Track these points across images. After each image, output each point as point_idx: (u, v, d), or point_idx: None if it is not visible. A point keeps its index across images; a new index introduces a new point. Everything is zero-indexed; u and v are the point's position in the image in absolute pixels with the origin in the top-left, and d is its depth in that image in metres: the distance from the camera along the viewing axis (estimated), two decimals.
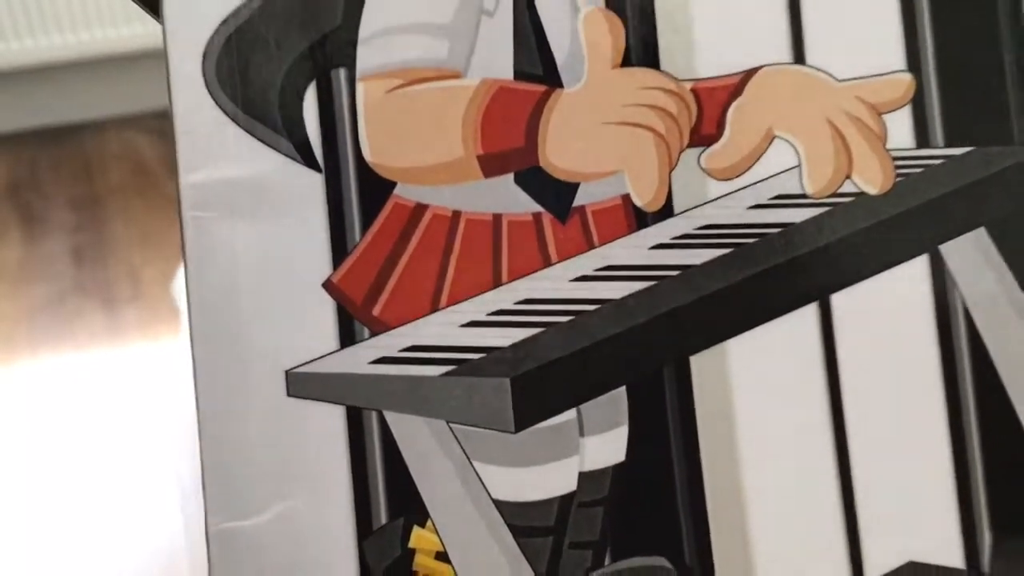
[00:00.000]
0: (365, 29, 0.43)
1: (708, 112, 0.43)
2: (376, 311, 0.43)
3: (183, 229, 0.42)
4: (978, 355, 0.44)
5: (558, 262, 0.43)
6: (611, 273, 0.43)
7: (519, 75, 0.43)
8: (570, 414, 0.43)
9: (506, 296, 0.43)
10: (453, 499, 0.42)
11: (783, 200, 0.44)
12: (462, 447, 0.42)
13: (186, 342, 0.43)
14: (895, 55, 0.44)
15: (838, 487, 0.44)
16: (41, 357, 1.79)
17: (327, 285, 0.43)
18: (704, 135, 0.43)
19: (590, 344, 0.41)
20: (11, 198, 2.17)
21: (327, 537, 0.42)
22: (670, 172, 0.43)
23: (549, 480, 0.43)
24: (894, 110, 0.44)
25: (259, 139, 0.42)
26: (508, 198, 0.43)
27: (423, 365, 0.41)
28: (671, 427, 0.43)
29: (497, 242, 0.43)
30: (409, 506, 0.42)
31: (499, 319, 0.42)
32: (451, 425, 0.42)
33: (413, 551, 0.43)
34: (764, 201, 0.44)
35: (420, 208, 0.43)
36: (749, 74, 0.43)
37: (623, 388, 0.43)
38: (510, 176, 0.43)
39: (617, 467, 0.43)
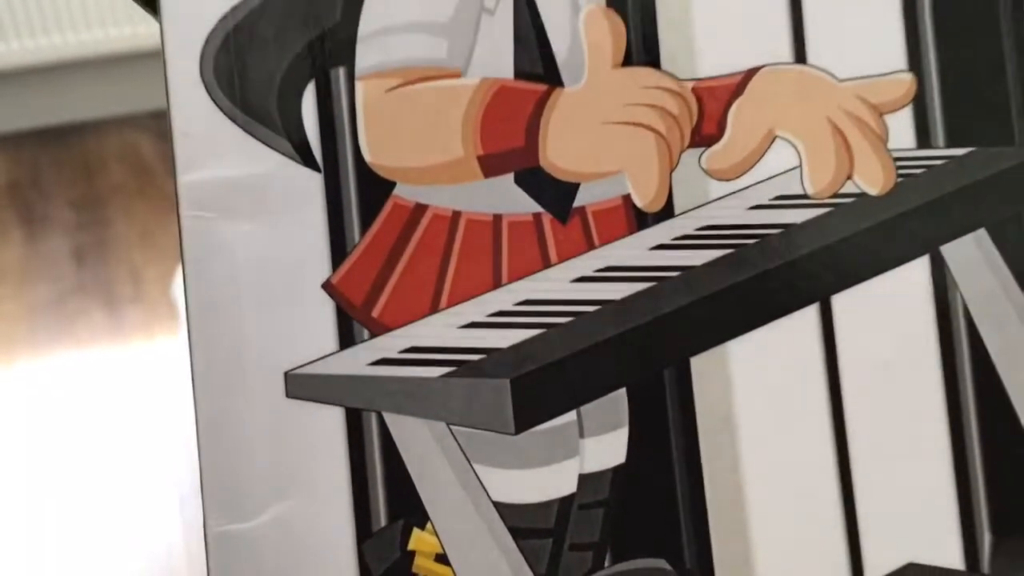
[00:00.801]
0: (364, 28, 0.42)
1: (709, 112, 0.43)
2: (375, 312, 0.43)
3: (181, 229, 0.42)
4: (978, 356, 0.44)
5: (558, 263, 0.43)
6: (611, 274, 0.43)
7: (519, 74, 0.43)
8: (570, 416, 0.43)
9: (506, 297, 0.43)
10: (453, 501, 0.42)
11: (784, 201, 0.44)
12: (462, 449, 0.42)
13: (186, 342, 0.43)
14: (896, 55, 0.44)
15: (838, 489, 0.44)
16: (42, 357, 1.79)
17: (326, 286, 0.43)
18: (705, 135, 0.43)
19: (590, 345, 0.41)
20: (12, 198, 2.17)
21: (326, 539, 0.42)
22: (671, 172, 0.43)
23: (549, 482, 0.43)
24: (895, 110, 0.44)
25: (257, 139, 0.42)
26: (508, 198, 0.43)
27: (423, 366, 0.41)
28: (671, 429, 0.43)
29: (497, 243, 0.43)
30: (409, 508, 0.42)
31: (499, 320, 0.42)
32: (451, 427, 0.42)
33: (413, 553, 0.43)
34: (765, 202, 0.44)
35: (420, 208, 0.43)
36: (750, 74, 0.43)
37: (623, 389, 0.43)
38: (510, 176, 0.43)
39: (617, 469, 0.43)
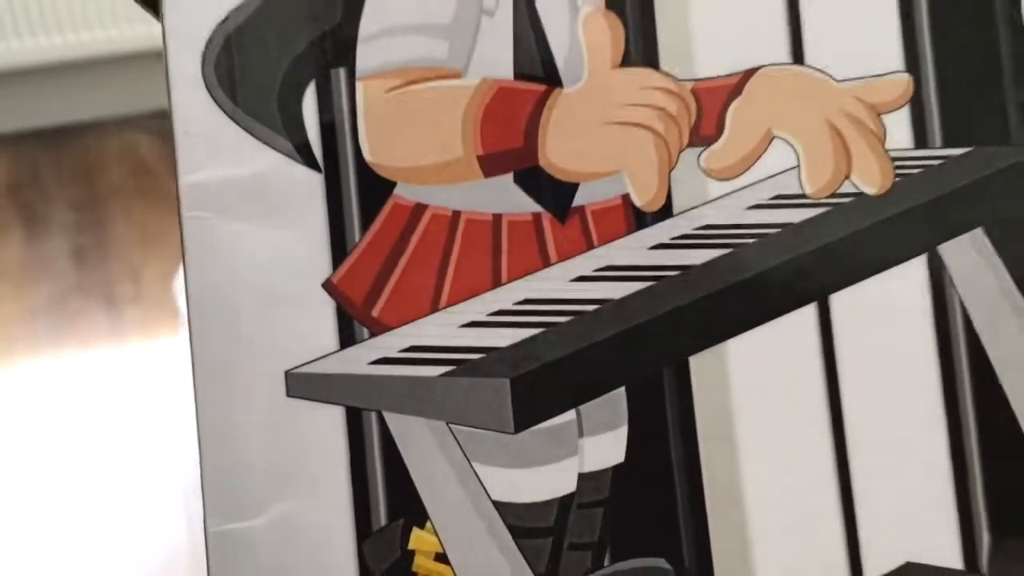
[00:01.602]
0: (365, 28, 0.43)
1: (707, 112, 0.43)
2: (376, 311, 0.43)
3: (182, 229, 0.42)
4: (976, 355, 0.44)
5: (557, 262, 0.43)
6: (610, 273, 0.43)
7: (519, 75, 0.43)
8: (569, 415, 0.43)
9: (506, 296, 0.43)
10: (453, 500, 0.42)
11: (782, 200, 0.44)
12: (462, 448, 0.42)
13: (186, 342, 0.43)
14: (894, 55, 0.44)
15: (837, 488, 0.44)
16: (42, 357, 1.79)
17: (327, 285, 0.43)
18: (703, 135, 0.43)
19: (590, 345, 0.41)
20: (12, 198, 2.17)
21: (326, 538, 0.42)
22: (669, 172, 0.43)
23: (548, 481, 0.43)
24: (893, 110, 0.44)
25: (258, 139, 0.42)
26: (508, 198, 0.43)
27: (423, 365, 0.41)
28: (670, 428, 0.43)
29: (497, 242, 0.43)
30: (409, 507, 0.42)
31: (499, 319, 0.42)
32: (451, 426, 0.42)
33: (413, 552, 0.43)
34: (763, 201, 0.44)
35: (420, 208, 0.43)
36: (748, 74, 0.43)
37: (622, 389, 0.43)
38: (510, 176, 0.43)
39: (616, 468, 0.43)
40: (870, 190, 0.43)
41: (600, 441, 0.43)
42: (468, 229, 0.43)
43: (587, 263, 0.43)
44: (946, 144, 0.44)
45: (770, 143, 0.43)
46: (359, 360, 0.42)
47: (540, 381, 0.41)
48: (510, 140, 0.43)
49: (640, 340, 0.42)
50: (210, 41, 0.42)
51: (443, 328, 0.42)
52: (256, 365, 0.42)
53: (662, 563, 0.43)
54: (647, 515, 0.43)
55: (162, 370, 1.70)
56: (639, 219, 0.43)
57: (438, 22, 0.43)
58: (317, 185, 0.42)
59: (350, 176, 0.43)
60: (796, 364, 0.43)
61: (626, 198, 0.43)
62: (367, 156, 0.43)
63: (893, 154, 0.44)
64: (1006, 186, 0.44)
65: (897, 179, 0.44)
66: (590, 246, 0.43)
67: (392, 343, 0.42)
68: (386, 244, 0.43)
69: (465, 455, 0.42)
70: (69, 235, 2.05)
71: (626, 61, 0.43)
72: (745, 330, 0.43)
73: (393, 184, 0.43)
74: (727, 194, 0.43)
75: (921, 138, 0.44)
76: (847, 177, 0.43)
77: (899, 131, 0.44)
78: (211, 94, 0.42)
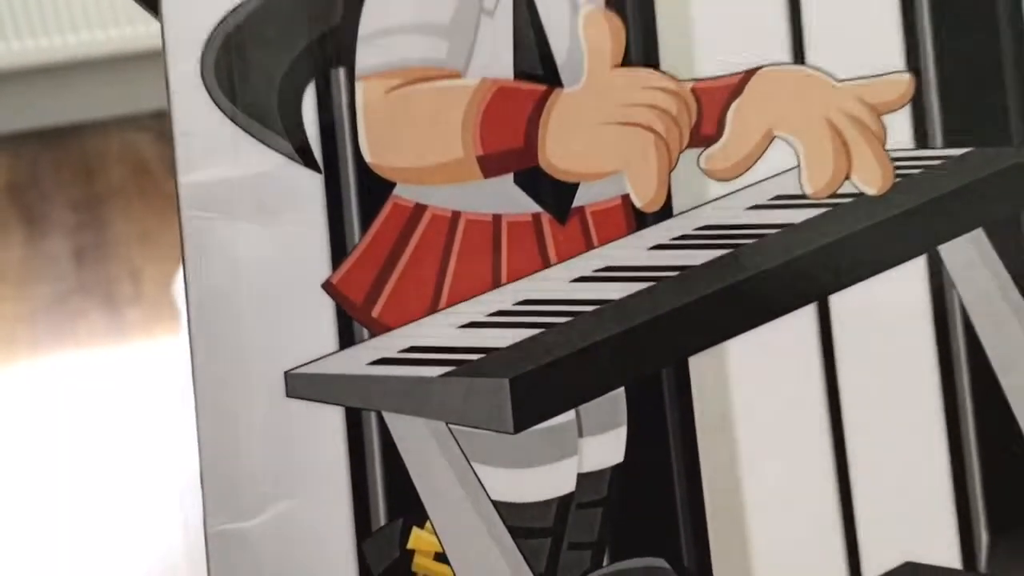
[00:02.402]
0: (364, 28, 0.42)
1: (708, 112, 0.43)
2: (375, 312, 0.43)
3: (182, 230, 0.42)
4: (975, 356, 0.44)
5: (557, 263, 0.43)
6: (610, 274, 0.43)
7: (519, 75, 0.43)
8: (569, 415, 0.43)
9: (505, 297, 0.43)
10: (452, 500, 0.42)
11: (782, 201, 0.44)
12: (461, 448, 0.42)
13: (186, 342, 0.43)
14: (895, 55, 0.44)
15: (836, 488, 0.44)
16: (43, 357, 1.79)
17: (326, 286, 0.43)
18: (704, 135, 0.43)
19: (589, 345, 0.41)
20: (12, 198, 2.17)
21: (326, 538, 0.42)
22: (670, 172, 0.43)
23: (548, 481, 0.43)
24: (893, 110, 0.44)
25: (258, 139, 0.42)
26: (507, 198, 0.43)
27: (422, 366, 0.41)
28: (670, 428, 0.43)
29: (496, 243, 0.43)
30: (408, 507, 0.42)
31: (498, 320, 0.42)
32: (450, 426, 0.42)
33: (412, 552, 0.43)
34: (763, 202, 0.44)
35: (419, 208, 0.43)
36: (749, 74, 0.43)
37: (622, 389, 0.43)
38: (510, 176, 0.43)
39: (616, 468, 0.43)
40: (870, 190, 0.43)
41: (600, 441, 0.43)
42: (468, 229, 0.43)
43: (587, 263, 0.43)
44: (947, 144, 0.44)
45: (770, 143, 0.43)
46: (359, 360, 0.42)
47: (540, 381, 0.41)
48: (510, 140, 0.43)
49: (640, 340, 0.42)
50: (209, 41, 0.42)
51: (443, 328, 0.42)
52: (256, 366, 0.42)
53: (661, 563, 0.43)
54: (646, 515, 0.43)
55: (162, 370, 1.70)
56: (639, 219, 0.43)
57: (438, 22, 0.43)
58: (317, 186, 0.42)
59: (350, 177, 0.43)
60: (796, 365, 0.43)
61: (626, 198, 0.43)
62: (367, 156, 0.43)
63: (893, 154, 0.44)
64: (1006, 187, 0.44)
65: (897, 179, 0.44)
66: (590, 246, 0.43)
67: (392, 343, 0.42)
68: (386, 245, 0.43)
69: (465, 455, 0.42)
70: (69, 235, 2.05)
71: (626, 61, 0.43)
72: (745, 330, 0.43)
73: (393, 184, 0.43)
74: (727, 194, 0.43)
75: (922, 138, 0.44)
76: (847, 177, 0.43)
77: (900, 131, 0.44)
78: (210, 95, 0.42)
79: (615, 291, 0.42)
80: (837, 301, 0.43)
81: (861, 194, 0.43)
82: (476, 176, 0.43)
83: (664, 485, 0.43)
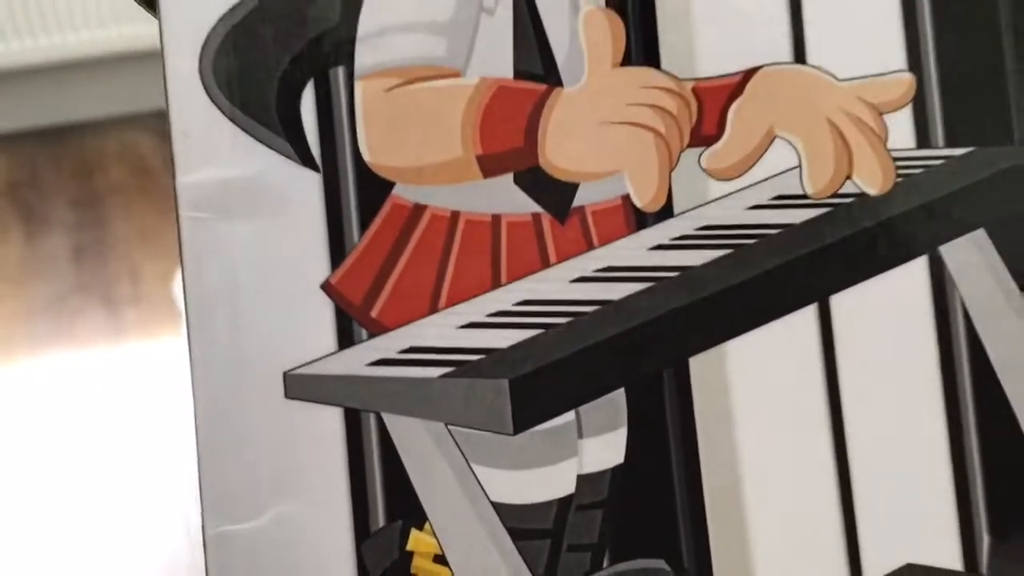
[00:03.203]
0: (363, 27, 0.42)
1: (708, 112, 0.43)
2: (375, 312, 0.43)
3: (180, 230, 0.42)
4: (977, 357, 0.44)
5: (557, 263, 0.43)
6: (610, 274, 0.43)
7: (519, 74, 0.43)
8: (569, 416, 0.43)
9: (505, 297, 0.43)
10: (451, 501, 0.42)
11: (783, 201, 0.44)
12: (460, 449, 0.42)
13: (185, 342, 0.43)
14: (896, 55, 0.44)
15: (837, 489, 0.44)
16: (41, 356, 1.79)
17: (325, 286, 0.42)
18: (704, 135, 0.43)
19: (589, 346, 0.41)
20: (11, 197, 2.17)
21: (325, 540, 0.42)
22: (670, 172, 0.43)
23: (547, 482, 0.43)
24: (895, 110, 0.43)
25: (256, 139, 0.42)
26: (507, 198, 0.43)
27: (422, 367, 0.41)
28: (670, 429, 0.43)
29: (496, 243, 0.43)
30: (407, 509, 0.42)
31: (498, 320, 0.42)
32: (450, 427, 0.42)
33: (411, 554, 0.43)
34: (764, 202, 0.44)
35: (419, 208, 0.43)
36: (750, 73, 0.43)
37: (622, 390, 0.43)
38: (509, 176, 0.43)
39: (616, 469, 0.43)
40: (871, 190, 0.43)
41: (600, 442, 0.43)
42: (467, 230, 0.43)
43: (587, 264, 0.43)
44: (948, 144, 0.44)
45: (771, 143, 0.43)
46: (358, 361, 0.42)
47: (539, 382, 0.41)
48: (510, 140, 0.42)
49: (640, 341, 0.42)
50: (207, 41, 0.42)
51: (442, 329, 0.42)
52: (254, 366, 0.42)
53: (661, 565, 0.43)
54: (646, 517, 0.43)
55: (161, 369, 1.70)
56: (639, 220, 0.43)
57: (437, 20, 0.42)
58: (315, 185, 0.42)
59: (348, 176, 0.43)
60: (796, 366, 0.43)
61: (626, 198, 0.43)
62: (366, 156, 0.42)
63: (895, 154, 0.44)
64: (1008, 187, 0.44)
65: (899, 179, 0.43)
66: (590, 247, 0.43)
67: (391, 344, 0.42)
68: (385, 245, 0.43)
69: (464, 456, 0.42)
70: (69, 234, 2.06)
71: (627, 60, 0.43)
72: (745, 331, 0.43)
73: (392, 184, 0.43)
74: (728, 194, 0.43)
75: (923, 138, 0.44)
76: (848, 177, 0.43)
77: (901, 131, 0.44)
78: (208, 94, 0.42)
79: (615, 292, 0.42)
80: (838, 302, 0.43)
81: (862, 194, 0.43)
82: (476, 176, 0.43)
83: (664, 487, 0.43)
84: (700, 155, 0.43)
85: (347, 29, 0.42)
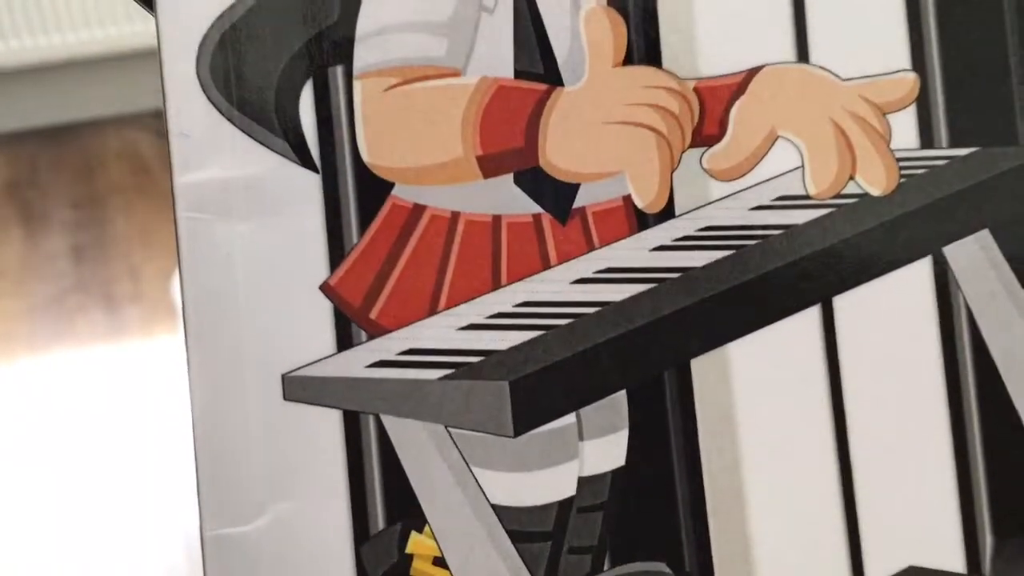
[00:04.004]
0: (362, 26, 0.42)
1: (710, 112, 0.43)
2: (374, 314, 0.42)
3: (178, 230, 0.42)
4: (981, 357, 0.44)
5: (558, 264, 0.43)
6: (612, 275, 0.43)
7: (519, 73, 0.43)
8: (569, 418, 0.43)
9: (505, 298, 0.42)
10: (451, 504, 0.42)
11: (786, 201, 0.43)
12: (460, 451, 0.42)
13: (184, 342, 0.42)
14: (900, 54, 0.43)
15: (839, 491, 0.44)
16: (42, 355, 1.79)
17: (324, 288, 0.42)
18: (706, 135, 0.43)
19: (590, 347, 0.41)
20: (12, 197, 2.18)
21: (324, 542, 0.42)
22: (672, 173, 0.43)
23: (548, 485, 0.43)
24: (898, 110, 0.43)
25: (255, 139, 0.42)
26: (508, 199, 0.43)
27: (421, 369, 0.41)
28: (671, 431, 0.43)
29: (496, 244, 0.43)
30: (407, 511, 0.42)
31: (498, 322, 0.42)
32: (449, 429, 0.42)
33: (411, 557, 0.43)
34: (767, 202, 0.43)
35: (418, 209, 0.43)
36: (752, 73, 0.43)
37: (623, 392, 0.43)
38: (510, 177, 0.43)
39: (617, 471, 0.43)
40: (875, 191, 0.43)
41: (600, 445, 0.43)
42: (467, 230, 0.43)
43: (588, 265, 0.43)
44: (952, 144, 0.44)
45: (774, 143, 0.43)
46: (357, 363, 0.42)
47: (540, 384, 0.40)
48: (510, 140, 0.42)
49: (641, 343, 0.42)
50: (205, 40, 0.42)
51: (442, 331, 0.42)
52: (253, 368, 0.42)
53: (662, 567, 0.43)
54: (648, 519, 0.43)
55: (161, 369, 1.70)
56: (641, 220, 0.43)
57: (437, 20, 0.42)
58: (314, 186, 0.42)
59: (348, 177, 0.42)
60: (799, 367, 0.43)
61: (628, 199, 0.43)
62: (365, 156, 0.42)
63: (898, 154, 0.43)
64: (1012, 187, 0.44)
65: (902, 180, 0.43)
66: (591, 248, 0.43)
67: (390, 346, 0.42)
68: (384, 246, 0.43)
69: (464, 459, 0.42)
70: (68, 233, 2.06)
71: (628, 59, 0.43)
72: (748, 333, 0.43)
73: (391, 185, 0.43)
74: (730, 195, 0.43)
75: (927, 138, 0.44)
76: (852, 178, 0.43)
77: (904, 131, 0.43)
78: (206, 94, 0.42)
79: (616, 293, 0.42)
80: (841, 303, 0.43)
81: (865, 195, 0.43)
82: (476, 176, 0.43)
83: (666, 489, 0.43)
84: (702, 155, 0.43)
85: (346, 28, 0.42)
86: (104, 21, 2.26)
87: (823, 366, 0.43)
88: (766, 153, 0.43)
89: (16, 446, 1.61)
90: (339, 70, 0.42)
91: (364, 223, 0.43)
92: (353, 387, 0.42)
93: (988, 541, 0.44)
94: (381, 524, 0.42)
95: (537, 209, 0.43)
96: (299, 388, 0.42)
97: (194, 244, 0.42)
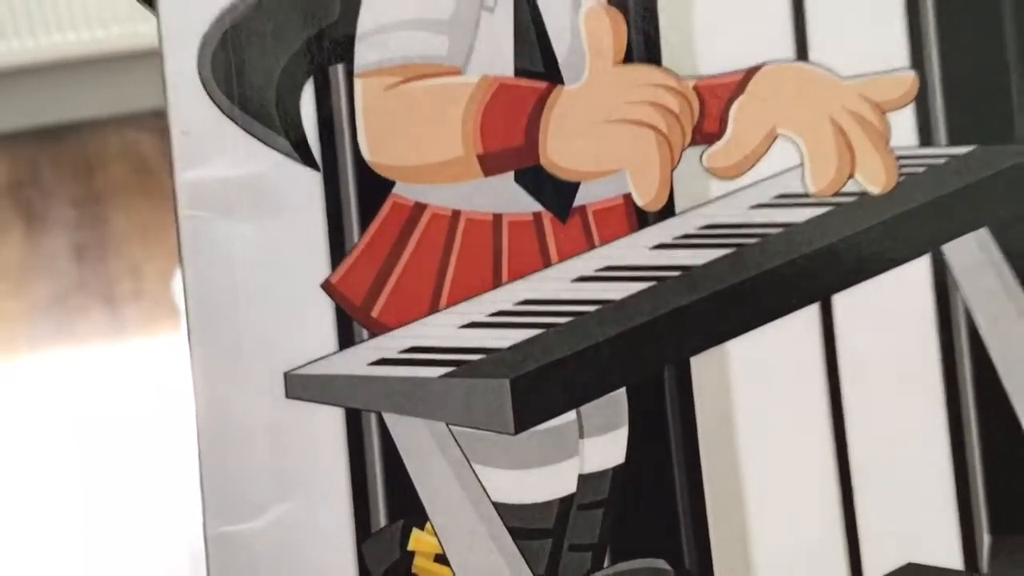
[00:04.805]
0: (363, 24, 0.42)
1: (710, 110, 0.43)
2: (375, 312, 0.42)
3: (179, 229, 0.42)
4: (979, 356, 0.44)
5: (558, 262, 0.43)
6: (612, 273, 0.43)
7: (520, 72, 0.43)
8: (570, 416, 0.43)
9: (506, 297, 0.42)
10: (452, 501, 0.42)
11: (785, 199, 0.43)
12: (461, 449, 0.42)
13: (186, 341, 0.42)
14: (899, 53, 0.43)
15: (838, 489, 0.44)
16: (43, 354, 1.79)
17: (325, 286, 0.42)
18: (706, 133, 0.43)
19: (590, 345, 0.41)
20: (12, 196, 2.18)
21: (326, 540, 0.42)
22: (672, 171, 0.43)
23: (548, 482, 0.43)
24: (898, 108, 0.43)
25: (256, 137, 0.42)
26: (508, 197, 0.43)
27: (422, 366, 0.41)
28: (671, 429, 0.43)
29: (497, 242, 0.43)
30: (408, 508, 0.42)
31: (499, 320, 0.42)
32: (450, 427, 0.42)
33: (412, 554, 0.43)
34: (766, 200, 0.43)
35: (419, 207, 0.43)
36: (752, 71, 0.43)
37: (623, 389, 0.43)
38: (510, 175, 0.43)
39: (617, 469, 0.43)
40: (874, 189, 0.43)
41: (601, 442, 0.43)
42: (468, 229, 0.43)
43: (588, 263, 0.43)
44: (951, 143, 0.44)
45: (773, 141, 0.43)
46: (358, 361, 0.42)
47: (540, 382, 0.40)
48: (511, 138, 0.42)
49: (641, 341, 0.42)
50: (206, 38, 0.42)
51: (443, 329, 0.42)
52: (254, 366, 0.42)
53: (662, 564, 0.43)
54: (647, 516, 0.43)
55: (163, 368, 1.70)
56: (641, 218, 0.43)
57: (437, 18, 0.42)
58: (315, 184, 0.42)
59: (349, 175, 0.42)
60: (798, 365, 0.43)
61: (628, 197, 0.43)
62: (366, 155, 0.42)
63: (897, 152, 0.43)
64: (1011, 186, 0.44)
65: (901, 178, 0.43)
66: (591, 246, 0.43)
67: (391, 344, 0.42)
68: (385, 244, 0.43)
69: (465, 456, 0.42)
70: (69, 233, 2.06)
71: (628, 58, 0.43)
72: (747, 331, 0.43)
73: (392, 183, 0.43)
74: (730, 193, 0.43)
75: (926, 136, 0.44)
76: (851, 176, 0.43)
77: (904, 129, 0.43)
78: (208, 92, 0.42)
79: (617, 291, 0.42)
80: (840, 301, 0.43)
81: (864, 193, 0.43)
82: (476, 175, 0.43)
83: (665, 486, 0.43)
84: (702, 154, 0.43)
85: (347, 26, 0.42)
86: (105, 21, 2.26)
87: (822, 364, 0.43)
88: (766, 151, 0.43)
89: (17, 445, 1.61)
90: (340, 68, 0.42)
91: (365, 221, 0.43)
92: (355, 385, 0.42)
93: (985, 539, 0.44)
94: (383, 521, 0.42)
95: (538, 207, 0.43)
96: (301, 386, 0.42)
97: (195, 242, 0.42)
